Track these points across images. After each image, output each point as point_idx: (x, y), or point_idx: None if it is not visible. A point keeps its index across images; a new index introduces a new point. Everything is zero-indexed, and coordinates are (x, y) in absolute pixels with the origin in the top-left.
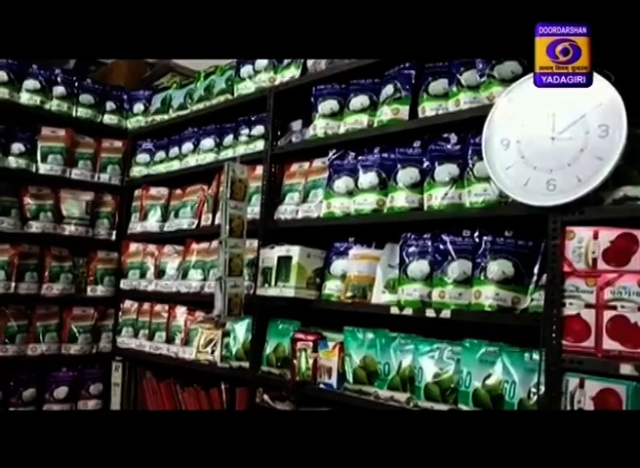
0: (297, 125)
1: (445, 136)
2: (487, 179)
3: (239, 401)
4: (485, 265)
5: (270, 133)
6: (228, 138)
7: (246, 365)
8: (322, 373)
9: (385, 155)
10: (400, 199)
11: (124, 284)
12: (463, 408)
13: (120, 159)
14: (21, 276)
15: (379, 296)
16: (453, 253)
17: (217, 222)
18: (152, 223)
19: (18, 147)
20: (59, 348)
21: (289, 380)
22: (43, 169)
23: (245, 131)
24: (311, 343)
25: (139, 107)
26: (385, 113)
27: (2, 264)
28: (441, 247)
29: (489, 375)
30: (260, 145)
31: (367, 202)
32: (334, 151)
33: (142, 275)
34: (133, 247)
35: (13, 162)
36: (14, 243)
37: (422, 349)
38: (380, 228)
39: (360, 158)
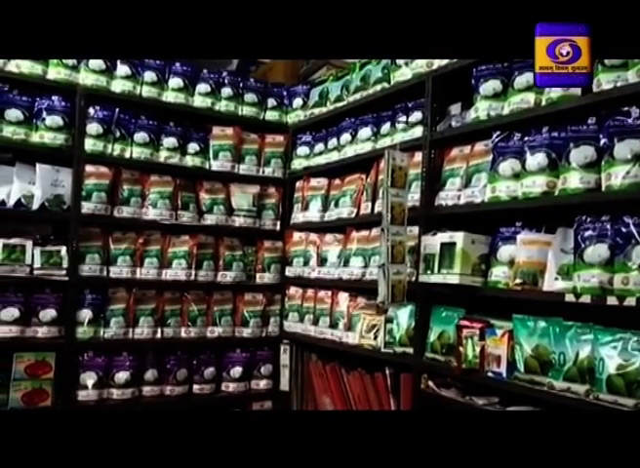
0: (455, 108)
1: (625, 109)
2: None
3: (404, 386)
4: None
5: (429, 118)
6: (385, 127)
7: (410, 351)
8: (490, 362)
9: (555, 134)
10: (574, 180)
11: (289, 271)
12: None
13: (282, 153)
14: (200, 264)
15: (551, 283)
16: (637, 237)
17: (376, 210)
18: (313, 213)
19: (193, 147)
20: (233, 331)
21: (455, 368)
22: (215, 165)
23: (402, 118)
24: (478, 331)
25: (297, 102)
26: (555, 90)
27: (184, 254)
28: (623, 229)
29: None
30: (417, 132)
31: (536, 184)
32: (497, 133)
33: (306, 263)
34: (296, 236)
35: (189, 160)
36: (192, 234)
37: (603, 339)
38: (549, 212)
39: (527, 139)
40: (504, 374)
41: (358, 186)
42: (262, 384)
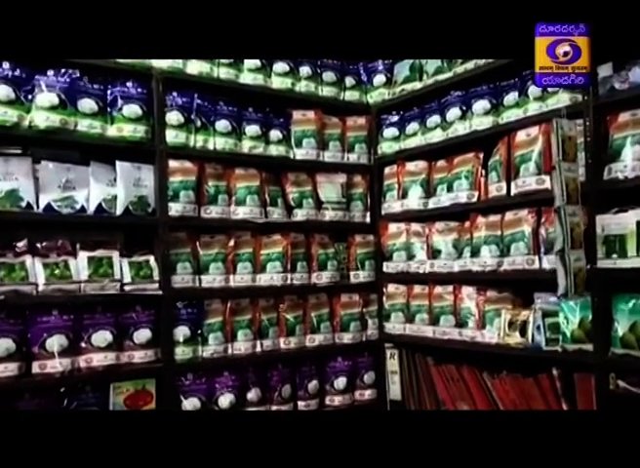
0: (606, 69)
1: None
2: None
3: (580, 388)
4: None
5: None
6: (510, 97)
7: (587, 347)
8: None
9: None
10: None
11: (387, 267)
12: None
13: (365, 136)
14: (294, 266)
15: None
16: None
17: (514, 192)
18: (413, 201)
19: (276, 134)
20: (333, 338)
21: None
22: (299, 154)
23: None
24: None
25: (379, 79)
26: None
27: (278, 256)
28: None
29: None
30: (563, 98)
31: None
32: None
33: (410, 256)
34: (392, 227)
35: (274, 150)
36: (283, 233)
37: None
38: None
39: None
40: None
41: (475, 166)
42: (367, 394)
